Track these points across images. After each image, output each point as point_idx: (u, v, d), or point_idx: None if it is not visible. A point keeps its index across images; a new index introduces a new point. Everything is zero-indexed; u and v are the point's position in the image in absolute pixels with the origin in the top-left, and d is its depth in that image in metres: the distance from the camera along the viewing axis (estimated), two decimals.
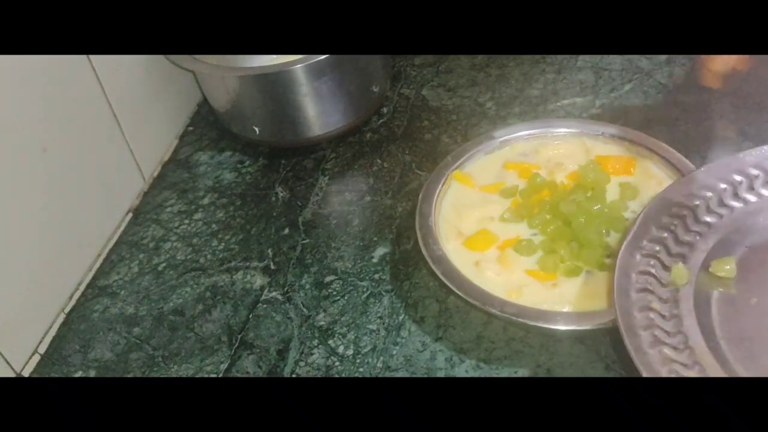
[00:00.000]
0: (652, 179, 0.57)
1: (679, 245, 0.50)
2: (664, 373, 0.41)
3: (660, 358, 0.42)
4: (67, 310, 0.60)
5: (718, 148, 0.64)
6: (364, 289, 0.58)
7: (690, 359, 0.43)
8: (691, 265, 0.49)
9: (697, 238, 0.50)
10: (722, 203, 0.52)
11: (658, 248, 0.49)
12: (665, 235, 0.50)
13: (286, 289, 0.59)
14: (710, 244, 0.50)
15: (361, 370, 0.52)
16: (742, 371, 0.43)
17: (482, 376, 0.50)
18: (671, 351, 0.43)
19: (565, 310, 0.49)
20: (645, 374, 0.41)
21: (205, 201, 0.69)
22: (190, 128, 0.79)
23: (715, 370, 0.42)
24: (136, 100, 0.69)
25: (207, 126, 0.79)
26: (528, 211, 0.56)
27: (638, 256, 0.49)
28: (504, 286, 0.51)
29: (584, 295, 0.50)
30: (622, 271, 0.48)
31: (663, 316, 0.45)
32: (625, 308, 0.45)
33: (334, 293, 0.58)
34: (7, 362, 0.53)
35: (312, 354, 0.53)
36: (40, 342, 0.57)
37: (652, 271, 0.48)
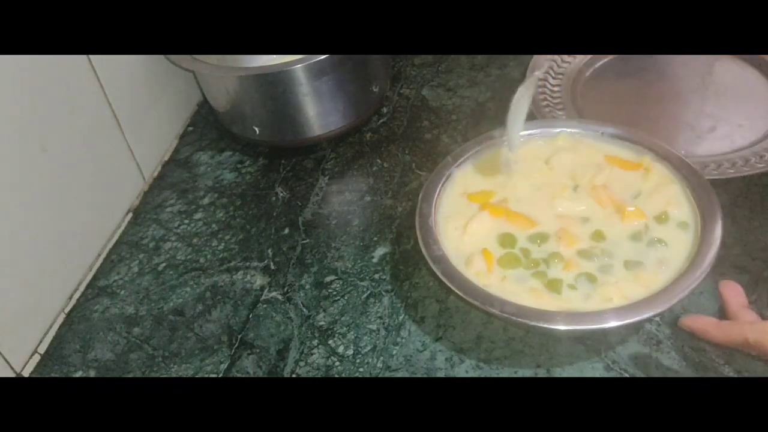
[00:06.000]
0: (654, 179, 0.57)
1: None
2: None
3: None
4: (67, 310, 0.60)
5: None
6: (364, 289, 0.58)
7: None
8: None
9: None
10: None
11: None
12: None
13: (286, 289, 0.59)
14: None
15: (361, 370, 0.52)
16: None
17: (482, 376, 0.50)
18: None
19: (563, 309, 0.49)
20: None
21: (205, 201, 0.69)
22: (190, 128, 0.79)
23: None
24: (136, 100, 0.69)
25: (207, 126, 0.79)
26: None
27: None
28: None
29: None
30: None
31: None
32: None
33: (334, 293, 0.58)
34: (7, 362, 0.53)
35: (312, 354, 0.53)
36: (40, 342, 0.57)
37: None
